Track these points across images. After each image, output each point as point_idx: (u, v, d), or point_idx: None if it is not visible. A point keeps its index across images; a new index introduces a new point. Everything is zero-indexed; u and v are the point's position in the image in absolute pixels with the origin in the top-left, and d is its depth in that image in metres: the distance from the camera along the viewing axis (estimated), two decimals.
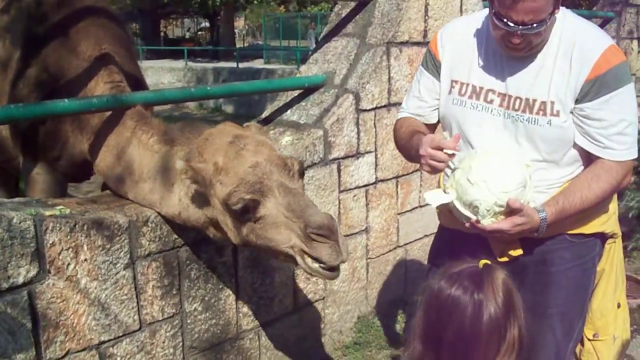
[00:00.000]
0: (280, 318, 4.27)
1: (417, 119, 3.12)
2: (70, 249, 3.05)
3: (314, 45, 5.84)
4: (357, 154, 4.68)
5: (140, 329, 3.43)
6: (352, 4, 4.94)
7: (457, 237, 2.95)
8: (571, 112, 2.69)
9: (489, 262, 2.06)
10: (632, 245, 6.45)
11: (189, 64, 29.63)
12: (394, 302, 5.25)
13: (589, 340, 3.23)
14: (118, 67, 3.77)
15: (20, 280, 2.88)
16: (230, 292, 3.88)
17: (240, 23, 62.41)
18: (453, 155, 2.67)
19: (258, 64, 31.48)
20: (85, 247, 3.10)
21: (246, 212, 2.83)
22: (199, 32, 57.15)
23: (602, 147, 2.70)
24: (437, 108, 3.06)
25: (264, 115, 4.86)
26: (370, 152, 4.80)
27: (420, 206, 5.32)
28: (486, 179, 2.60)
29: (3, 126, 4.08)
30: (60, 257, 3.01)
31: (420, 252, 5.42)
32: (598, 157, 2.73)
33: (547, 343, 2.98)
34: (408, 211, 5.27)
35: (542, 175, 2.76)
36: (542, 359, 3.00)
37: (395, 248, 5.25)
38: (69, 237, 3.03)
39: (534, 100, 2.71)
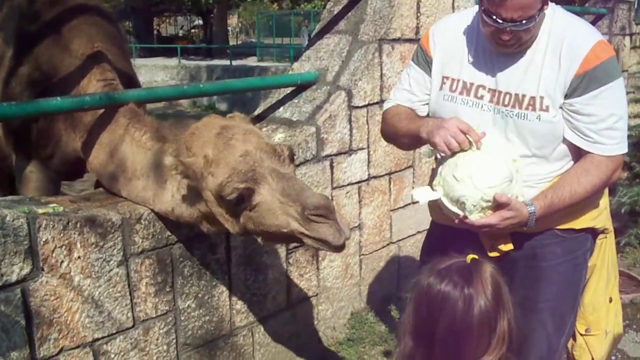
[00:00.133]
0: (273, 315, 4.28)
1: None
2: (64, 247, 3.05)
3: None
4: (350, 151, 4.70)
5: (133, 326, 3.43)
6: (345, 1, 4.94)
7: (448, 234, 2.95)
8: (560, 108, 2.70)
9: (476, 256, 2.07)
10: (625, 241, 6.49)
11: (183, 61, 29.58)
12: (387, 298, 5.26)
13: (581, 335, 3.24)
14: (110, 65, 3.76)
15: (14, 278, 2.88)
16: (224, 289, 3.89)
17: (233, 21, 62.35)
18: (472, 145, 2.68)
19: (251, 61, 31.40)
20: (78, 245, 3.11)
21: (241, 202, 2.83)
22: (192, 30, 56.97)
23: (591, 142, 2.71)
24: (427, 103, 3.07)
25: (256, 112, 4.86)
26: (363, 148, 4.81)
27: (413, 203, 5.33)
28: (472, 175, 2.61)
29: None
30: (54, 255, 3.02)
31: (413, 248, 5.43)
32: (588, 152, 2.74)
33: (539, 337, 3.00)
34: (401, 208, 5.29)
35: (532, 170, 2.78)
36: (533, 354, 3.02)
37: (388, 244, 5.27)
38: (62, 234, 3.04)
39: (524, 96, 2.73)
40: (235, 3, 43.76)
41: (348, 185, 4.72)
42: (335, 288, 4.79)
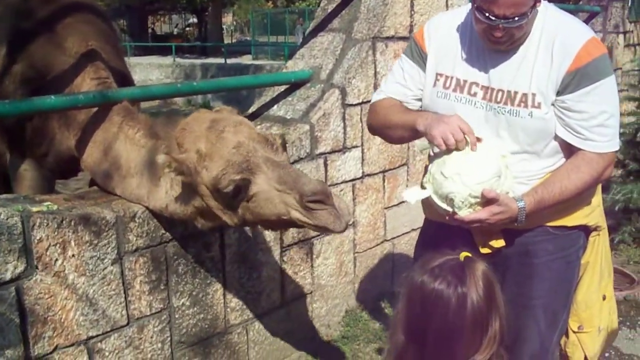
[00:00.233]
0: (268, 312, 4.28)
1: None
2: (58, 245, 3.05)
3: None
4: (344, 149, 4.70)
5: (128, 324, 3.44)
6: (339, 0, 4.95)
7: (442, 232, 2.95)
8: (552, 104, 2.71)
9: (469, 254, 2.08)
10: (619, 238, 6.50)
11: (177, 60, 29.58)
12: (381, 295, 5.27)
13: (573, 332, 3.25)
14: (104, 64, 3.76)
15: (8, 276, 2.88)
16: (218, 287, 3.89)
17: (228, 19, 62.24)
18: (469, 144, 2.68)
19: (246, 59, 31.39)
20: (72, 243, 3.11)
21: (238, 193, 2.83)
22: (187, 28, 56.91)
23: (582, 138, 2.72)
24: (419, 98, 3.07)
25: (250, 110, 4.87)
26: (357, 146, 4.82)
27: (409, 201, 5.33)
28: (459, 171, 2.62)
29: None
30: (48, 253, 3.02)
31: (408, 246, 5.44)
32: (579, 149, 2.75)
33: (531, 334, 3.01)
34: (395, 205, 5.30)
35: (524, 167, 2.79)
36: (526, 350, 3.03)
37: (382, 242, 5.28)
38: (56, 232, 3.04)
39: (516, 93, 2.73)
40: (230, 1, 43.84)
41: (342, 183, 4.72)
42: (329, 286, 4.80)
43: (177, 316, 3.67)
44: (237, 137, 2.87)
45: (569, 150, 2.79)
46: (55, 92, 3.50)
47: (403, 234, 5.47)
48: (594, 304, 3.22)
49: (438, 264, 2.05)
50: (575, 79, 2.65)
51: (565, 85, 2.67)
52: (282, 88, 4.81)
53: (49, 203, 3.15)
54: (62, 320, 3.13)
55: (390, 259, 5.38)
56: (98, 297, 3.26)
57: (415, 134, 2.88)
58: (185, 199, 3.09)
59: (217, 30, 41.48)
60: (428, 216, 3.22)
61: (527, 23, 2.63)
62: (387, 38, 4.92)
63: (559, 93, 2.69)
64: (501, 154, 2.71)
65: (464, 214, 2.66)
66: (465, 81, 2.87)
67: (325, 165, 4.55)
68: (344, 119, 4.65)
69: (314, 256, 4.60)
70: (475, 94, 2.84)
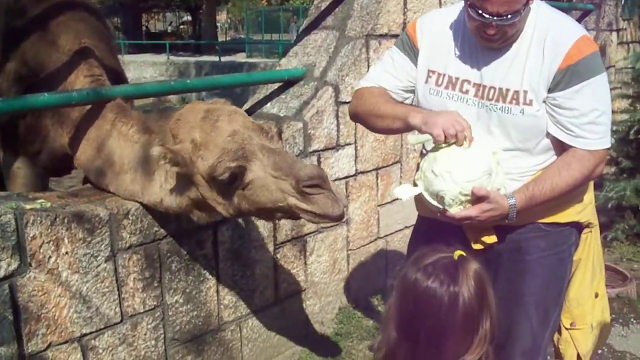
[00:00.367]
0: (261, 309, 4.28)
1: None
2: (51, 242, 3.05)
3: None
4: (337, 146, 4.71)
5: (121, 321, 3.44)
6: None
7: (434, 228, 2.96)
8: (544, 102, 2.72)
9: (463, 253, 2.09)
10: (612, 236, 6.51)
11: (171, 58, 29.58)
12: (374, 293, 5.28)
13: (566, 329, 3.26)
14: (98, 61, 3.76)
15: (2, 273, 2.88)
16: (211, 284, 3.89)
17: (222, 17, 62.21)
18: (464, 140, 2.68)
19: (240, 57, 31.38)
20: (66, 240, 3.11)
21: (234, 180, 2.83)
22: (181, 26, 56.95)
23: (574, 136, 2.73)
24: (408, 90, 3.07)
25: (244, 108, 4.86)
26: (350, 144, 4.82)
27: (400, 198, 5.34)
28: (450, 169, 2.63)
29: None
30: (41, 251, 3.02)
31: (401, 243, 5.44)
32: (571, 146, 2.76)
33: (523, 331, 3.02)
34: (388, 203, 5.30)
35: (515, 164, 2.80)
36: (518, 347, 3.04)
37: (375, 239, 5.28)
38: (49, 230, 3.04)
39: (507, 90, 2.74)
40: None
41: (335, 180, 4.72)
42: (323, 283, 4.81)
43: (170, 313, 3.68)
44: (232, 125, 2.88)
45: (560, 147, 2.80)
46: (49, 90, 3.49)
47: (396, 231, 5.48)
48: (586, 301, 3.23)
49: (431, 262, 2.05)
50: (566, 77, 2.66)
51: (557, 83, 2.68)
52: (276, 86, 4.81)
53: (42, 200, 3.15)
54: (56, 318, 3.13)
55: (384, 256, 5.39)
56: (91, 295, 3.26)
57: (405, 126, 2.87)
58: (180, 191, 3.08)
59: (211, 28, 41.44)
60: (421, 213, 3.23)
61: (520, 21, 2.64)
62: (380, 36, 4.93)
63: (550, 90, 2.70)
64: (492, 151, 2.71)
65: (455, 211, 2.67)
66: (457, 79, 2.88)
67: (319, 162, 4.55)
68: (337, 116, 4.66)
69: (308, 253, 4.60)
70: (467, 92, 2.84)
